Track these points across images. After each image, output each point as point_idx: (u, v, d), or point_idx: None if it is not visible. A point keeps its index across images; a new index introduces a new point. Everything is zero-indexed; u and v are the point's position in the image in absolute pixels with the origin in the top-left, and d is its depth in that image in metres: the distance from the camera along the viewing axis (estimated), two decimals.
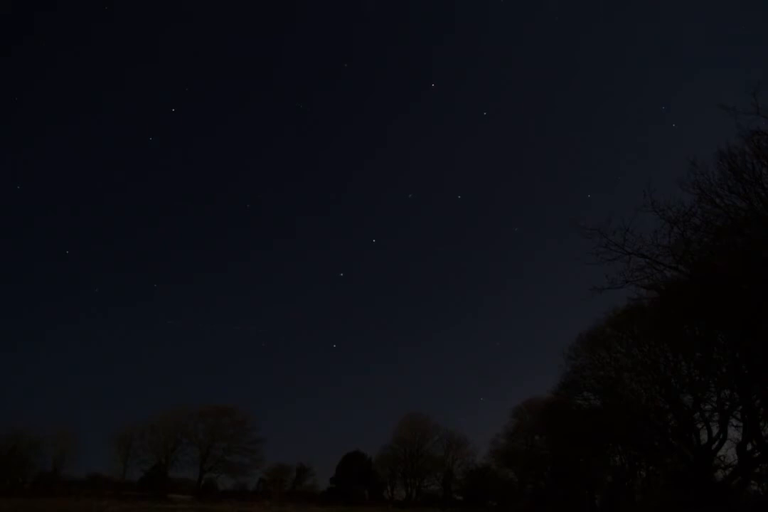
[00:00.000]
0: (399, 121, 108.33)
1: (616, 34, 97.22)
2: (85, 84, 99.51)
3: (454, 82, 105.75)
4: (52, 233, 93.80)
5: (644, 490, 39.37)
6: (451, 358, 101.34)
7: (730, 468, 27.09)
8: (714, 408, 27.98)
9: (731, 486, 26.09)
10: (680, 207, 16.91)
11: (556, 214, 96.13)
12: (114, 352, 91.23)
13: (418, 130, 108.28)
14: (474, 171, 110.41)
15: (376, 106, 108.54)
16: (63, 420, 63.63)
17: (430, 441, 63.80)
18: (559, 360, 38.16)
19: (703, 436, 28.65)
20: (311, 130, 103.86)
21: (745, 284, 16.81)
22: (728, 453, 27.51)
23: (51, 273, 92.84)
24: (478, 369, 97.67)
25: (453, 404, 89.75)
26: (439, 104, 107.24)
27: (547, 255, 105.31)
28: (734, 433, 26.73)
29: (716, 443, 27.68)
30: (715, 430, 28.02)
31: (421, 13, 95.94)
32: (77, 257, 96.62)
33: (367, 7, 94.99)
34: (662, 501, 32.43)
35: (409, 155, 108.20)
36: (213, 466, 58.66)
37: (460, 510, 53.66)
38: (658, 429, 30.62)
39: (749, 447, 25.27)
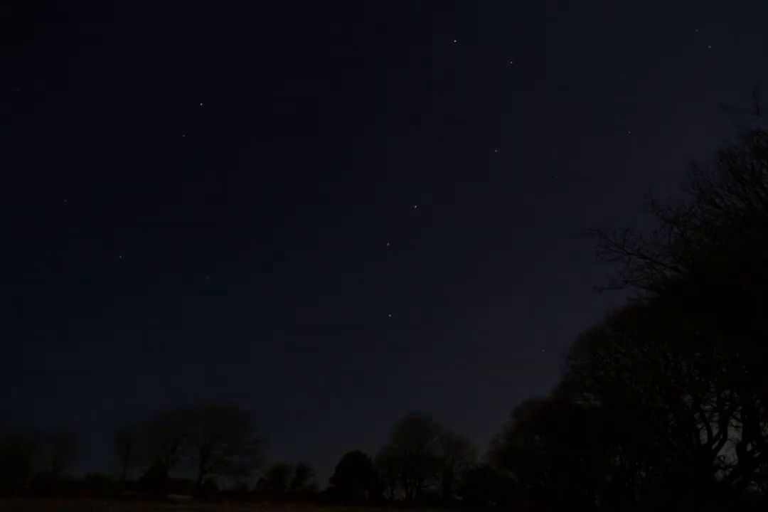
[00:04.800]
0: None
1: (614, 34, 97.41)
2: (85, 84, 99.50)
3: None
4: (53, 235, 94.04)
5: (644, 490, 39.35)
6: (451, 358, 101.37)
7: (730, 468, 27.11)
8: (714, 408, 27.99)
9: (731, 486, 26.10)
10: (680, 207, 17.01)
11: (556, 213, 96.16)
12: (114, 352, 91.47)
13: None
14: (473, 170, 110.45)
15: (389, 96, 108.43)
16: (63, 420, 63.62)
17: (430, 441, 63.84)
18: (559, 360, 38.20)
19: (703, 436, 28.75)
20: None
21: (745, 284, 16.82)
22: (728, 453, 27.58)
23: (51, 274, 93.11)
24: (478, 369, 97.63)
25: (453, 404, 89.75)
26: None
27: (547, 255, 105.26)
28: (734, 433, 26.81)
29: (716, 443, 27.71)
30: (715, 430, 28.11)
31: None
32: (77, 258, 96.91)
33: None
34: (662, 501, 32.44)
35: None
36: (213, 466, 58.54)
37: (460, 510, 53.57)
38: (658, 429, 30.62)
39: (749, 447, 25.32)
